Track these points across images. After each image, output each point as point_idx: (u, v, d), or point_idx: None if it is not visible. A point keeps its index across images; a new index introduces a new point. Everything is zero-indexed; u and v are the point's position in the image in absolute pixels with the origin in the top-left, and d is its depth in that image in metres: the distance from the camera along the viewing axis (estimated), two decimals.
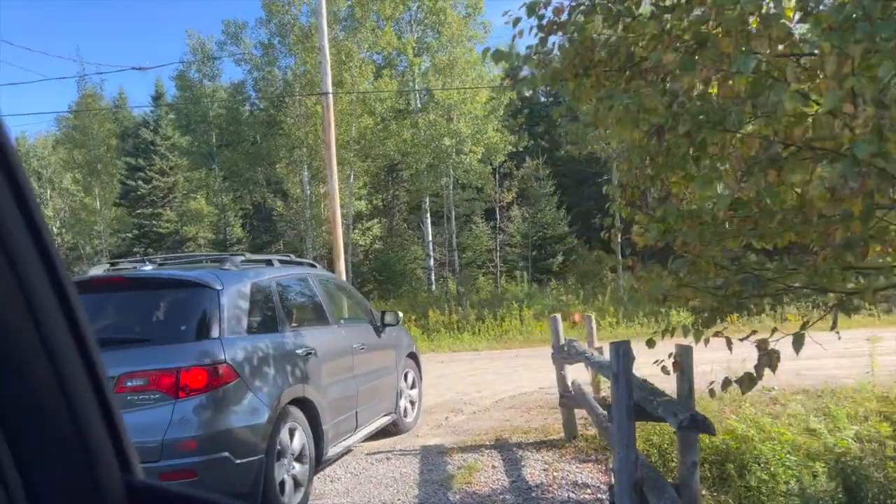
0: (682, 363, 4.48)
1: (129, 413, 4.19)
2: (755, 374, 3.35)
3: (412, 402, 8.42)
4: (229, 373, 4.58)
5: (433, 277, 27.89)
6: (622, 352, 4.39)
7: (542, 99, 45.49)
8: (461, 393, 10.54)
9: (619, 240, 4.85)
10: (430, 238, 27.43)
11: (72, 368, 0.81)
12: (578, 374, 8.07)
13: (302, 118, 24.37)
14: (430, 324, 19.54)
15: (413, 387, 8.42)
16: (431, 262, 27.79)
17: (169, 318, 5.05)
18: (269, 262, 6.16)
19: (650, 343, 4.00)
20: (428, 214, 27.22)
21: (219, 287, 4.85)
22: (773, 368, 3.21)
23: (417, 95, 26.79)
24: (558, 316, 7.82)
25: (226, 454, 4.44)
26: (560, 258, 29.65)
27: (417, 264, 30.35)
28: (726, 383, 3.58)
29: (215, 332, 4.69)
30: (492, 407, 9.52)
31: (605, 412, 6.74)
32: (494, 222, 31.42)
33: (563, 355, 7.56)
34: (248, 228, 36.47)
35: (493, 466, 6.76)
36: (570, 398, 7.54)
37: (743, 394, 3.60)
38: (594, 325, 7.56)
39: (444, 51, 24.27)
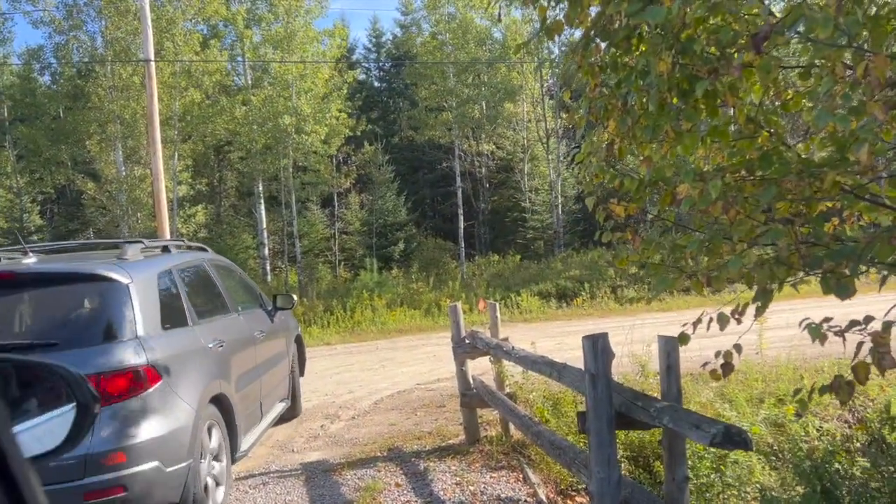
0: (671, 358, 3.71)
1: None
2: (858, 377, 2.57)
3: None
4: (153, 375, 4.24)
5: (268, 267, 25.97)
6: (601, 348, 3.55)
7: (377, 84, 44.57)
8: (331, 395, 9.33)
9: (596, 210, 4.01)
10: (264, 225, 25.50)
11: None
12: (474, 368, 7.24)
13: (115, 90, 21.50)
14: None
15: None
16: (266, 251, 25.85)
17: (76, 318, 4.51)
18: (166, 249, 5.73)
19: (683, 340, 3.21)
20: (262, 199, 25.28)
21: (127, 280, 4.43)
22: (883, 369, 2.45)
23: (248, 71, 24.71)
24: (458, 305, 6.89)
25: (156, 463, 4.12)
26: (401, 245, 28.90)
27: (249, 254, 28.25)
28: (826, 390, 2.79)
29: (131, 332, 4.28)
30: (371, 409, 8.42)
31: (528, 413, 5.95)
32: (332, 209, 30.03)
33: (466, 349, 6.66)
34: (49, 215, 32.12)
35: (398, 484, 5.71)
36: (472, 397, 6.66)
37: (842, 404, 2.83)
38: (498, 314, 6.74)
39: (281, 22, 22.42)
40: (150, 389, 4.21)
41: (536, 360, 4.89)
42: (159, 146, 16.02)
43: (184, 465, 4.36)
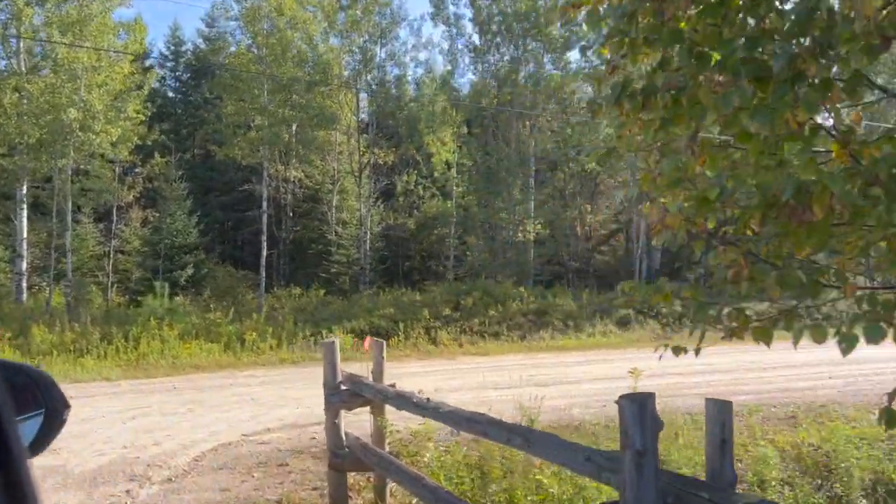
0: (725, 430, 2.86)
1: None
2: None
3: None
4: None
5: (24, 285, 21.94)
6: (650, 415, 2.61)
7: (171, 94, 40.92)
8: (131, 446, 7.39)
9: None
10: (25, 235, 21.56)
11: None
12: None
13: None
14: (35, 344, 14.83)
15: None
16: (24, 265, 21.84)
17: None
18: None
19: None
20: (24, 204, 21.40)
21: None
22: None
23: (23, 54, 21.04)
24: (336, 341, 5.59)
25: None
26: (190, 270, 26.06)
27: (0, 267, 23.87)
28: None
29: None
30: (191, 468, 6.70)
31: (434, 481, 4.79)
32: (109, 224, 26.40)
33: (344, 397, 5.38)
34: None
35: None
36: (345, 457, 5.37)
37: None
38: (384, 354, 5.56)
39: (76, 2, 19.35)
40: None
41: (479, 420, 3.82)
42: None
43: None
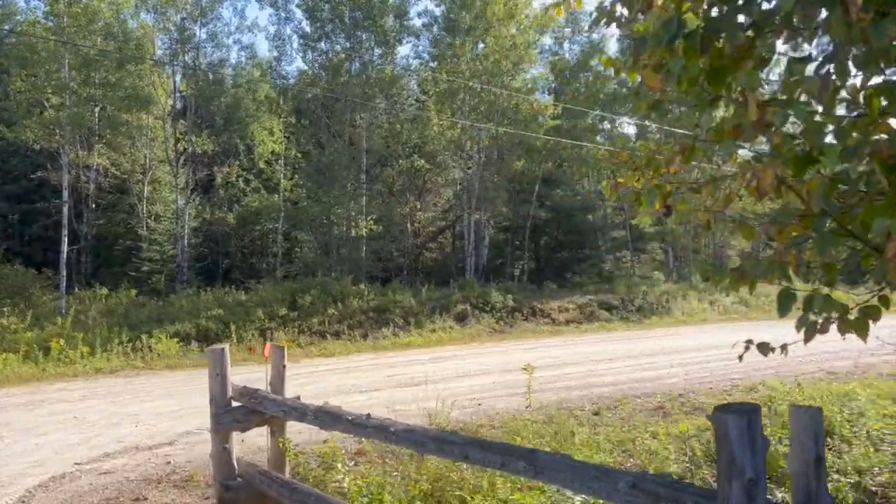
0: (819, 446, 2.47)
1: None
2: None
3: None
4: None
5: None
6: (758, 433, 2.14)
7: None
8: None
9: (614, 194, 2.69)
10: None
11: None
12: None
13: None
14: None
15: None
16: None
17: None
18: None
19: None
20: None
21: None
22: None
23: None
24: (226, 348, 4.64)
25: None
26: None
27: None
28: None
29: None
30: None
31: None
32: None
33: (238, 416, 4.47)
34: None
35: None
36: (240, 490, 4.47)
37: None
38: (285, 362, 4.67)
39: None
40: None
41: (452, 440, 3.17)
42: None
43: None
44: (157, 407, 9.43)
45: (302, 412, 4.00)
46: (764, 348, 2.35)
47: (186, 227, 24.93)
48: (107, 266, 26.95)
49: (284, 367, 4.68)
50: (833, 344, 14.68)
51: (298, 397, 4.52)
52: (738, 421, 2.08)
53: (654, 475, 2.46)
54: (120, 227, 26.90)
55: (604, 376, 11.47)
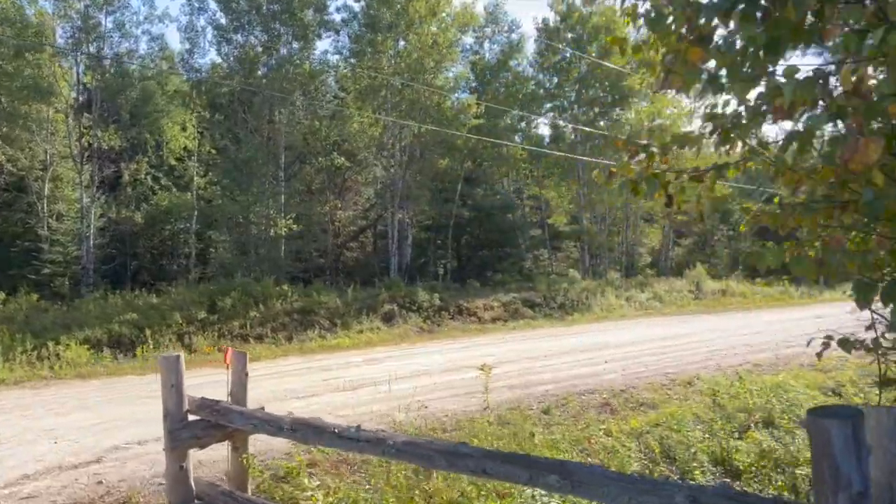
0: None
1: None
2: None
3: None
4: None
5: None
6: (863, 439, 1.99)
7: None
8: None
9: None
10: None
11: None
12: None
13: None
14: None
15: None
16: None
17: None
18: None
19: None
20: None
21: None
22: None
23: None
24: (181, 356, 4.20)
25: None
26: None
27: None
28: None
29: None
30: None
31: None
32: None
33: (197, 431, 4.06)
34: None
35: None
36: None
37: None
38: (247, 370, 4.27)
39: None
40: None
41: (466, 452, 2.91)
42: None
43: None
44: (75, 420, 8.69)
45: (277, 426, 3.64)
46: (845, 345, 2.23)
47: (92, 226, 23.50)
48: (3, 269, 25.05)
49: (247, 374, 4.29)
50: (753, 337, 15.21)
51: (262, 408, 4.15)
52: (842, 428, 1.89)
53: (714, 487, 2.28)
54: (18, 226, 25.05)
55: (542, 374, 11.43)
